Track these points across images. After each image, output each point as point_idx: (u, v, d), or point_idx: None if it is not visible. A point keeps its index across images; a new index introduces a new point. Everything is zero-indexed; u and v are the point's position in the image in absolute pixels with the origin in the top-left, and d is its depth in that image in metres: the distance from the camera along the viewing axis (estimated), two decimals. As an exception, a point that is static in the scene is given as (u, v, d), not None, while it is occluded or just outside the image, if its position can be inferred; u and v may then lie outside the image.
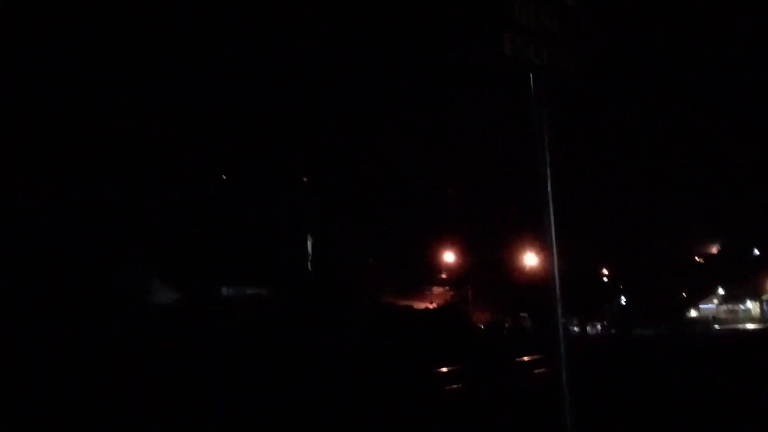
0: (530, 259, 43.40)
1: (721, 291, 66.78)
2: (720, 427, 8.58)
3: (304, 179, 30.84)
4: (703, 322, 58.90)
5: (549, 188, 4.39)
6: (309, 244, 31.45)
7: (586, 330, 54.04)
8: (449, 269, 44.78)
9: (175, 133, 26.66)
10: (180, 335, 19.38)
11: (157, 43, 25.96)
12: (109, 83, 24.57)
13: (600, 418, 7.87)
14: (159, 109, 26.04)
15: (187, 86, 26.93)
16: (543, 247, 4.47)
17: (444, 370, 19.44)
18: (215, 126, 27.50)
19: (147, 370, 15.16)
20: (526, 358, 22.93)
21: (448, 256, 43.14)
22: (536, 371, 18.82)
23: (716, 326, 46.53)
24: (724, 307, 64.48)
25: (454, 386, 15.58)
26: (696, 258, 68.00)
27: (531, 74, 4.45)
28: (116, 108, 24.74)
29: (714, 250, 70.12)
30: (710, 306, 65.33)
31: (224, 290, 29.03)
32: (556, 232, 4.42)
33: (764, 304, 61.85)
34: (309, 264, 31.36)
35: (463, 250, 42.75)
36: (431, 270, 44.91)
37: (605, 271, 57.23)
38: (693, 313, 59.49)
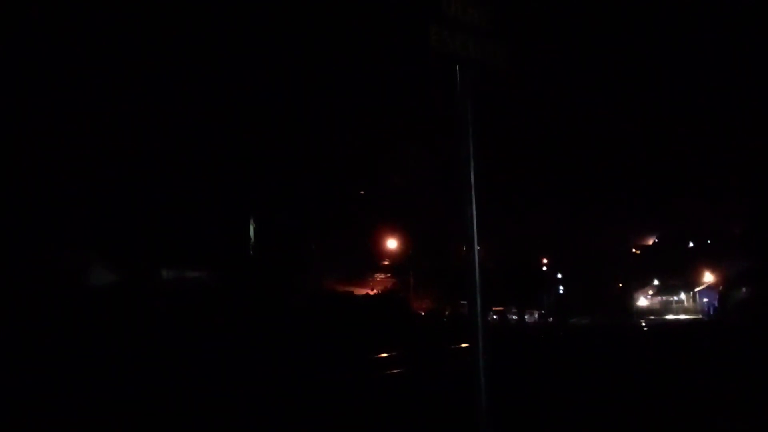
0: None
1: (656, 282, 68.79)
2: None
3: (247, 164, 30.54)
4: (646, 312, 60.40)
5: (472, 179, 4.46)
6: (252, 228, 31.18)
7: (523, 318, 55.04)
8: (392, 256, 44.97)
9: (119, 110, 26.14)
10: (119, 317, 19.13)
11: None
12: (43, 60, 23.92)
13: (515, 402, 8.13)
14: (102, 84, 25.50)
15: (131, 67, 26.42)
16: (465, 237, 4.55)
17: (384, 355, 19.66)
18: (160, 105, 27.03)
19: (84, 353, 14.95)
20: (463, 345, 23.26)
21: (391, 244, 43.31)
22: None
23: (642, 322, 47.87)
24: (658, 299, 66.38)
25: (394, 371, 15.76)
26: (633, 250, 69.75)
27: (457, 67, 4.51)
28: (54, 83, 24.14)
29: (650, 242, 71.98)
30: (644, 297, 67.28)
31: (164, 272, 28.61)
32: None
33: (697, 295, 63.79)
34: (251, 249, 31.10)
35: (406, 238, 42.98)
36: (374, 257, 45.07)
37: (545, 261, 58.34)
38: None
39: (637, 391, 10.75)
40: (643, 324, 43.42)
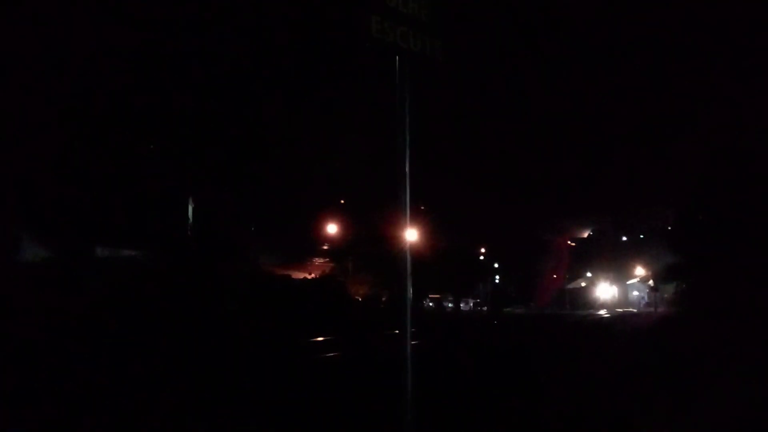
0: (411, 235, 44.20)
1: (588, 274, 70.47)
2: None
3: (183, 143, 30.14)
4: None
5: (407, 167, 4.60)
6: (190, 208, 30.81)
7: (459, 307, 55.74)
8: (331, 241, 44.95)
9: (54, 86, 25.50)
10: (49, 295, 18.73)
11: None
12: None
13: (440, 389, 8.35)
14: (34, 55, 24.81)
15: (70, 42, 25.77)
16: (400, 223, 4.68)
17: (320, 339, 19.78)
18: (99, 79, 26.43)
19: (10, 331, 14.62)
20: (397, 331, 23.53)
21: (331, 228, 43.29)
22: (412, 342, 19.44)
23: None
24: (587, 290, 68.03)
25: (329, 354, 15.90)
26: (568, 242, 71.18)
27: (396, 57, 4.63)
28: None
29: (585, 234, 73.55)
30: (575, 287, 68.87)
31: (99, 251, 28.11)
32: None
33: (628, 288, 65.53)
34: (189, 229, 30.74)
35: (346, 223, 43.00)
36: (313, 241, 45.00)
37: (482, 250, 59.05)
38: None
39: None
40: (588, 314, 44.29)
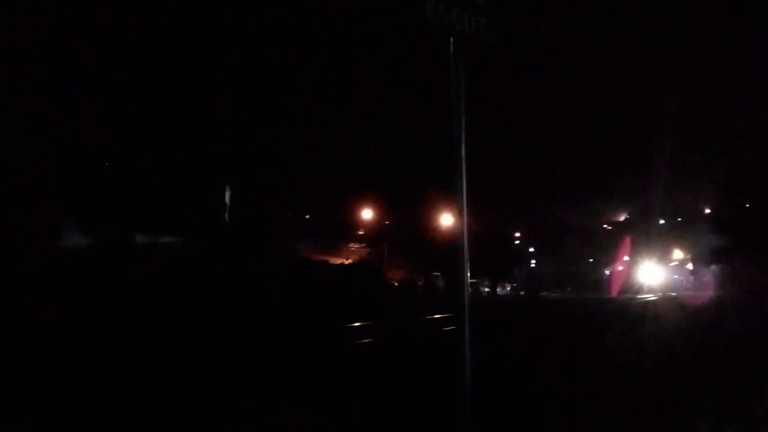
0: (446, 220, 44.11)
1: (626, 258, 69.75)
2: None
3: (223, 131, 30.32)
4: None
5: (463, 152, 4.53)
6: (227, 194, 31.03)
7: (496, 291, 55.56)
8: (367, 226, 45.02)
9: (92, 76, 25.78)
10: (93, 283, 18.98)
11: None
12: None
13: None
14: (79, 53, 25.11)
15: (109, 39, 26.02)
16: (455, 210, 4.61)
17: (356, 324, 19.82)
18: (135, 71, 26.69)
19: (58, 319, 14.82)
20: (436, 316, 23.55)
21: (366, 214, 43.33)
22: (445, 328, 19.42)
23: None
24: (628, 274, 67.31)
25: (366, 340, 15.91)
26: (604, 226, 70.43)
27: (451, 40, 4.55)
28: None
29: (622, 218, 72.70)
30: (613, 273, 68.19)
31: (138, 237, 28.44)
32: (469, 195, 4.57)
33: (666, 272, 64.72)
34: (226, 215, 30.98)
35: (382, 209, 43.04)
36: (349, 226, 45.11)
37: (517, 235, 58.71)
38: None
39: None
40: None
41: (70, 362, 11.08)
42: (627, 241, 64.22)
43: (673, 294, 45.42)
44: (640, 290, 55.17)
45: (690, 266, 63.04)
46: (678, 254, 64.43)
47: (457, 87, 4.55)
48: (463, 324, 4.54)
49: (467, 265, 4.66)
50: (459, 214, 4.60)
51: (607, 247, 64.11)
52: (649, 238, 60.08)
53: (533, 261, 63.70)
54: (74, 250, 23.57)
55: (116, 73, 26.32)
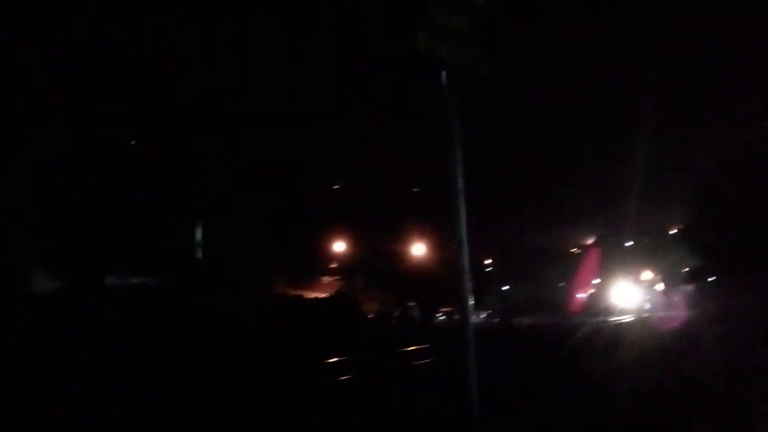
0: (419, 250, 44.18)
1: (597, 280, 70.34)
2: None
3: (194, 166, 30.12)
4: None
5: (460, 184, 4.57)
6: (198, 232, 30.77)
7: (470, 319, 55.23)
8: (339, 259, 44.91)
9: (58, 112, 25.51)
10: (63, 326, 18.65)
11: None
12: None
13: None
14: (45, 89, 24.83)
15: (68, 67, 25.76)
16: (454, 242, 4.65)
17: (333, 360, 19.64)
18: (102, 109, 26.46)
19: (27, 363, 14.53)
20: (412, 348, 23.50)
21: (339, 246, 43.23)
22: (421, 361, 19.38)
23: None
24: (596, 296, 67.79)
25: (344, 377, 15.73)
26: (573, 249, 71.03)
27: (444, 72, 4.62)
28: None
29: (590, 241, 73.40)
30: (584, 295, 68.61)
31: (109, 279, 28.08)
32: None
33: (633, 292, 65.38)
34: (198, 252, 30.70)
35: (354, 240, 42.97)
36: (321, 260, 44.92)
37: (488, 262, 58.94)
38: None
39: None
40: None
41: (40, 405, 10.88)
42: (594, 262, 64.93)
43: (646, 315, 45.79)
44: (611, 311, 55.56)
45: (660, 286, 63.74)
46: (647, 275, 65.12)
47: (451, 118, 4.61)
48: (468, 358, 4.55)
49: (469, 295, 4.70)
50: (459, 246, 4.63)
51: (577, 271, 64.62)
52: (616, 258, 60.79)
53: (506, 287, 63.94)
54: (43, 294, 23.23)
55: (82, 111, 26.09)
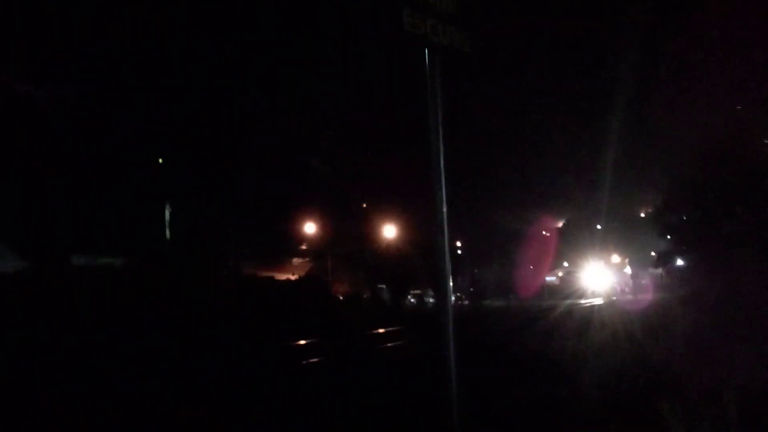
0: (389, 232, 44.15)
1: (565, 264, 71.00)
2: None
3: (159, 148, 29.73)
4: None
5: (442, 164, 4.49)
6: (167, 212, 30.45)
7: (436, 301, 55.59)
8: (309, 240, 44.73)
9: (26, 89, 25.06)
10: (26, 306, 18.35)
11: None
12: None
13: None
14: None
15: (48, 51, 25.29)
16: (435, 225, 4.56)
17: (302, 342, 19.57)
18: (73, 84, 26.02)
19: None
20: (380, 330, 23.56)
21: (309, 227, 43.03)
22: (392, 344, 19.39)
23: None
24: (566, 279, 68.42)
25: (312, 360, 15.64)
26: (543, 232, 71.45)
27: (426, 50, 4.52)
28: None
29: (560, 224, 73.94)
30: (553, 278, 69.23)
31: (75, 259, 27.70)
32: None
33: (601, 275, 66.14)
34: (167, 233, 30.39)
35: (324, 222, 42.80)
36: (292, 241, 44.71)
37: (459, 244, 59.10)
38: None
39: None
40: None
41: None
42: (562, 245, 65.50)
43: (614, 298, 46.33)
44: (581, 294, 56.12)
45: (628, 270, 64.48)
46: (616, 258, 65.87)
47: (434, 98, 4.53)
48: (449, 345, 4.48)
49: (449, 277, 4.64)
50: (440, 226, 4.55)
51: (546, 253, 65.10)
52: (586, 242, 61.33)
53: (475, 270, 64.22)
54: (8, 273, 22.83)
55: (52, 91, 25.65)
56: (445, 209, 4.54)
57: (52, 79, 25.48)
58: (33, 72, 25.03)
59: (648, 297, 32.39)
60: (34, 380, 11.76)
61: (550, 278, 68.85)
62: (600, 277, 59.29)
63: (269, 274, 36.66)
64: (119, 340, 16.59)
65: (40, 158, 25.41)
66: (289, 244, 44.26)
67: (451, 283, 4.75)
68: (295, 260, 46.35)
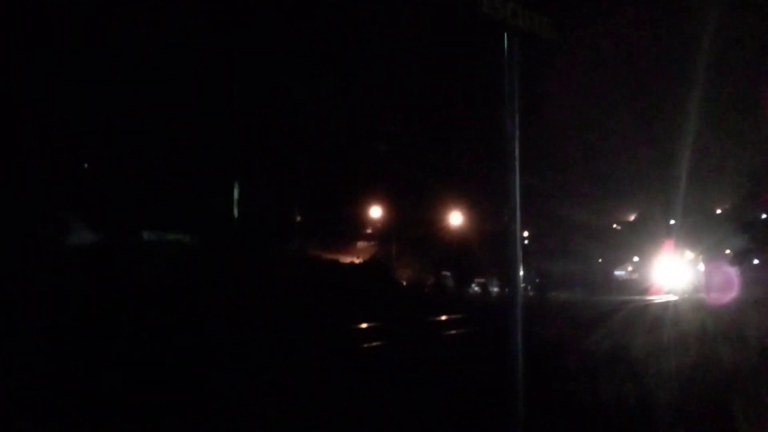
0: (455, 219, 43.91)
1: (636, 258, 69.36)
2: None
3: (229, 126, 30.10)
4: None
5: (516, 152, 4.36)
6: (236, 191, 30.92)
7: (505, 291, 54.74)
8: (375, 224, 44.85)
9: (99, 72, 25.65)
10: (101, 280, 18.86)
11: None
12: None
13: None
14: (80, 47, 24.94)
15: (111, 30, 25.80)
16: (506, 212, 4.45)
17: (364, 326, 19.60)
18: (143, 69, 26.52)
19: (64, 317, 14.65)
20: (443, 318, 23.40)
21: (375, 212, 43.15)
22: (454, 332, 19.24)
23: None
24: (637, 275, 66.85)
25: (374, 344, 15.62)
26: (614, 225, 70.06)
27: (505, 35, 4.39)
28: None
29: (632, 218, 72.24)
30: (623, 273, 67.79)
31: (146, 235, 28.40)
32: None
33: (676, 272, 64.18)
34: (235, 212, 30.87)
35: (390, 207, 42.83)
36: (358, 224, 44.93)
37: (526, 234, 58.37)
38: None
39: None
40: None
41: (76, 359, 10.96)
42: (631, 239, 63.92)
43: (686, 296, 44.90)
44: (652, 290, 54.77)
45: (701, 267, 62.52)
46: (689, 254, 63.96)
47: (511, 84, 4.40)
48: (516, 338, 4.37)
49: (520, 266, 4.54)
50: (513, 215, 4.43)
51: (615, 247, 63.72)
52: (658, 237, 59.71)
53: (543, 261, 63.33)
54: (81, 246, 23.47)
55: (124, 69, 26.18)
56: (518, 198, 4.42)
57: (122, 57, 25.99)
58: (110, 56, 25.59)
59: (723, 296, 31.30)
60: (115, 353, 12.10)
61: (619, 273, 67.41)
62: (672, 274, 57.60)
63: (334, 256, 36.86)
64: (189, 315, 16.92)
65: (112, 134, 26.03)
66: (354, 227, 44.48)
67: (519, 275, 4.63)
68: (360, 244, 46.55)
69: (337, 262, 34.85)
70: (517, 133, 4.36)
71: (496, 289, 53.86)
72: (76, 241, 24.20)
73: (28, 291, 15.84)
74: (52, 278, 17.45)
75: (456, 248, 42.43)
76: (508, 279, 4.52)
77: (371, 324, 19.82)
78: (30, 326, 13.09)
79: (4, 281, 15.69)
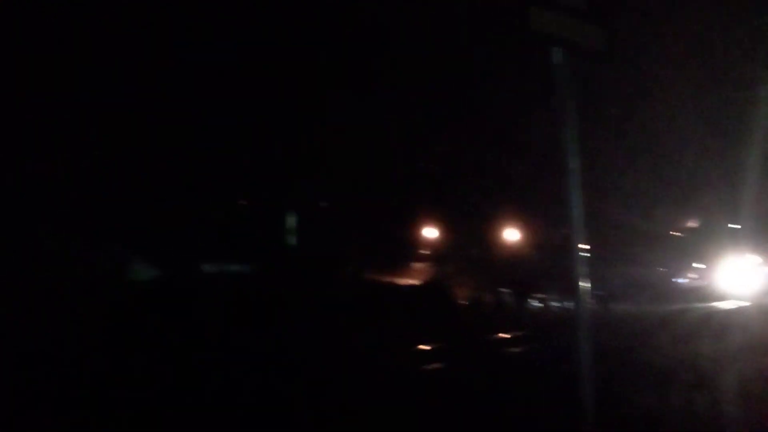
0: (512, 235, 43.53)
1: (700, 265, 67.37)
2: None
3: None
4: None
5: (576, 163, 4.33)
6: (293, 219, 31.25)
7: (566, 306, 54.23)
8: (431, 245, 44.72)
9: (155, 98, 26.00)
10: (162, 314, 19.11)
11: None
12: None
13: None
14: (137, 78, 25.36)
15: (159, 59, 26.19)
16: (569, 223, 4.42)
17: (423, 348, 19.45)
18: (197, 97, 26.92)
19: (128, 354, 14.84)
20: (503, 336, 23.16)
21: (430, 232, 43.06)
22: (517, 349, 19.01)
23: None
24: (702, 281, 64.89)
25: (435, 365, 15.50)
26: (677, 233, 68.28)
27: (557, 50, 4.36)
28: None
29: (694, 224, 70.28)
30: (686, 281, 65.85)
31: (206, 267, 28.77)
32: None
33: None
34: (293, 240, 31.18)
35: (446, 226, 42.70)
36: (413, 246, 44.85)
37: (587, 247, 57.35)
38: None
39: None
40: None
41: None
42: (694, 245, 62.12)
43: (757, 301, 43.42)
44: (718, 297, 53.17)
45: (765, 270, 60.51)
46: (756, 259, 61.99)
47: (564, 99, 4.37)
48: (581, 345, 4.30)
49: (581, 280, 4.50)
50: (573, 229, 4.39)
51: (678, 255, 62.08)
52: (722, 242, 58.02)
53: (601, 270, 62.18)
54: (140, 281, 23.87)
55: (182, 98, 26.52)
56: (579, 211, 4.38)
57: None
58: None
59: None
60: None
61: (682, 280, 65.57)
62: (738, 279, 55.86)
63: (390, 279, 36.80)
64: (249, 345, 17.04)
65: (170, 166, 26.47)
66: (410, 249, 44.39)
67: (581, 286, 4.59)
68: (416, 265, 46.39)
69: (392, 283, 34.79)
70: (576, 148, 4.33)
71: (557, 304, 53.03)
72: (135, 277, 24.67)
73: (89, 331, 16.13)
74: (111, 317, 17.73)
75: (514, 264, 42.02)
76: (569, 292, 4.48)
77: (430, 345, 19.68)
78: (90, 368, 13.32)
79: (63, 320, 16.01)
